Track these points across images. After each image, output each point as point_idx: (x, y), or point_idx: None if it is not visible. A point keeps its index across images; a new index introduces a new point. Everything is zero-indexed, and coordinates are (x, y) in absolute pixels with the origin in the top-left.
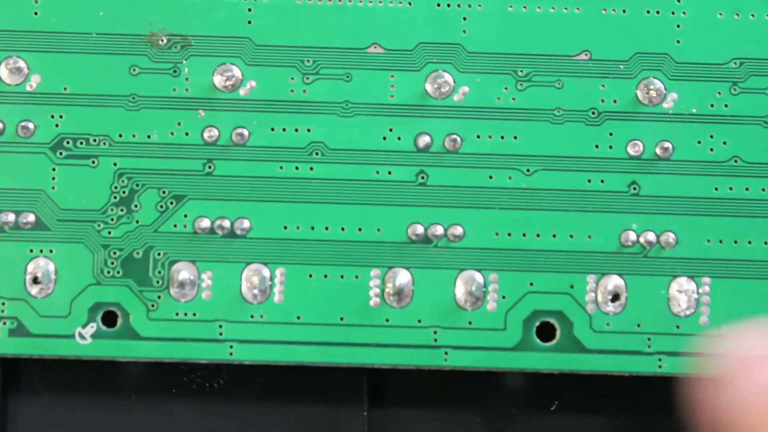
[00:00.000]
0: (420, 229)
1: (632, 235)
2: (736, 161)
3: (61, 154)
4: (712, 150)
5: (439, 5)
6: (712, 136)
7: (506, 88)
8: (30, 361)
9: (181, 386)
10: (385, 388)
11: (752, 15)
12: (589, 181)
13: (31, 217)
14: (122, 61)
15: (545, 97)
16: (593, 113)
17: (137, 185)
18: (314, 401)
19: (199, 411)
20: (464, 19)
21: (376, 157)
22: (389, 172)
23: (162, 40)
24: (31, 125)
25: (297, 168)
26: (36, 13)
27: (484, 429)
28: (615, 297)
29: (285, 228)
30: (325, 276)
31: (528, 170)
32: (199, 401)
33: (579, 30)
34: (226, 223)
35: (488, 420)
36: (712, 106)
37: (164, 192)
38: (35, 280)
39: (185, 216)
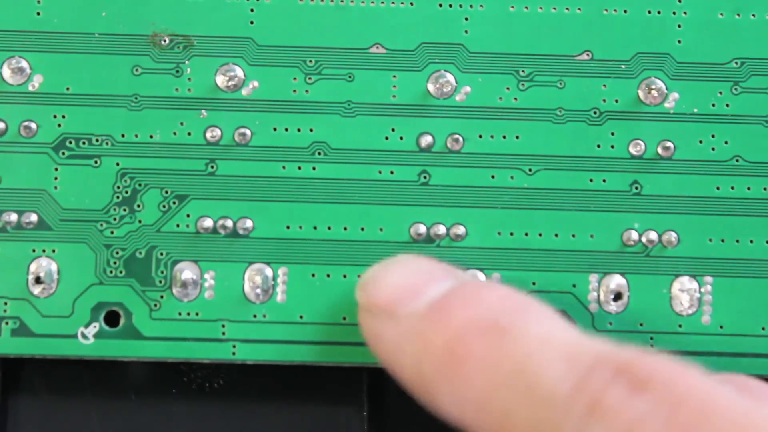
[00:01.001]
0: (422, 229)
1: (634, 235)
2: (737, 161)
3: (63, 154)
4: (713, 149)
5: (440, 6)
6: (713, 136)
7: (508, 88)
8: (30, 361)
9: (181, 386)
10: (385, 388)
11: (753, 15)
12: (591, 180)
13: (34, 217)
14: (125, 61)
15: (547, 96)
16: (595, 113)
17: (140, 185)
18: (314, 401)
19: (199, 411)
20: (466, 19)
21: (378, 157)
22: (392, 172)
23: (164, 41)
24: (33, 125)
25: (299, 168)
26: (38, 14)
27: None
28: (617, 296)
29: (287, 228)
30: (328, 275)
31: (530, 170)
32: (199, 401)
33: (580, 30)
34: (229, 223)
35: None
36: (713, 105)
37: (167, 192)
38: (38, 280)
39: (188, 216)
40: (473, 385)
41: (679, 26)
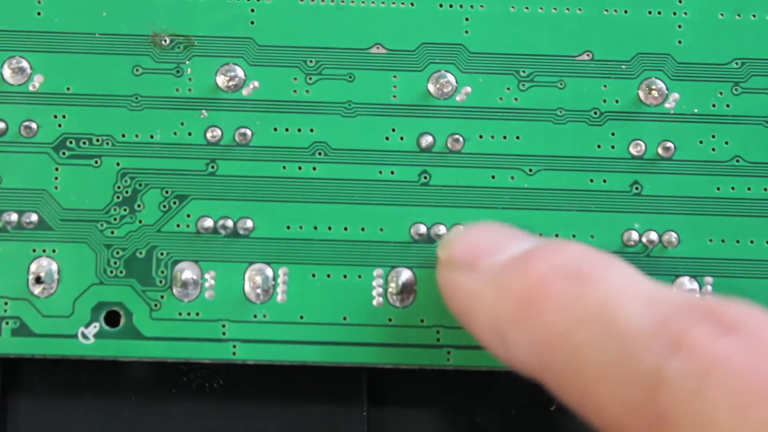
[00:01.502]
0: (423, 229)
1: (635, 235)
2: (737, 161)
3: (64, 154)
4: (713, 150)
5: (441, 6)
6: (713, 136)
7: (508, 89)
8: (30, 362)
9: (181, 386)
10: (385, 388)
11: (753, 15)
12: (591, 180)
13: (34, 217)
14: (125, 61)
15: (547, 97)
16: (595, 113)
17: (140, 185)
18: (314, 401)
19: (199, 411)
20: (466, 19)
21: (378, 157)
22: (392, 172)
23: (165, 41)
24: (34, 125)
25: (300, 168)
26: (39, 14)
27: (484, 429)
28: None
29: (288, 228)
30: (328, 276)
31: (530, 170)
32: (199, 401)
33: (581, 30)
34: (229, 223)
35: (488, 420)
36: (713, 106)
37: (167, 192)
38: (38, 280)
39: (188, 216)
40: (549, 324)
41: (680, 26)
